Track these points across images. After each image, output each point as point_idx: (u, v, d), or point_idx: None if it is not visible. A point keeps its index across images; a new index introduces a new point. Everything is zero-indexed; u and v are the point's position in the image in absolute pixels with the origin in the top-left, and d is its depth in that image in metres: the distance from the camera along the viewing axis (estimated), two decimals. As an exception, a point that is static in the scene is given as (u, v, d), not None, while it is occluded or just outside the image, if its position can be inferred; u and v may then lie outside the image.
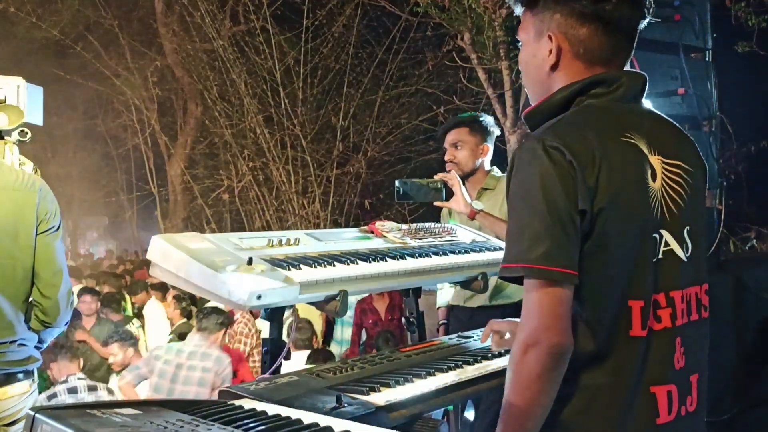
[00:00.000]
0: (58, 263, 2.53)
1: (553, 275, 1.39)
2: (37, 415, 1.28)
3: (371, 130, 11.85)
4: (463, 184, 3.30)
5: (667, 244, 1.50)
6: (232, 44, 11.92)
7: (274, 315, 2.05)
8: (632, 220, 1.45)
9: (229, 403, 1.49)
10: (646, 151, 1.51)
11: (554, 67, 1.58)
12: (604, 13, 1.51)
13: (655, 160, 1.52)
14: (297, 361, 4.45)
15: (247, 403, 1.48)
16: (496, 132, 3.42)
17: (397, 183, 2.89)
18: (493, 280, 3.11)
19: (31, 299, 2.52)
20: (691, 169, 1.59)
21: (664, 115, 1.67)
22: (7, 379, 2.40)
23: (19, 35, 13.30)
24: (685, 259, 1.53)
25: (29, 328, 2.52)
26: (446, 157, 3.34)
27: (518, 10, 1.66)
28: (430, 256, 2.26)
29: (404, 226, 2.50)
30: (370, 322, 6.43)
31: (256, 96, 11.88)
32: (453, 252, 2.35)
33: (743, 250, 6.77)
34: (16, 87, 2.56)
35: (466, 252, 2.40)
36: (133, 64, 14.07)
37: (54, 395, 4.55)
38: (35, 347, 2.53)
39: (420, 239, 2.44)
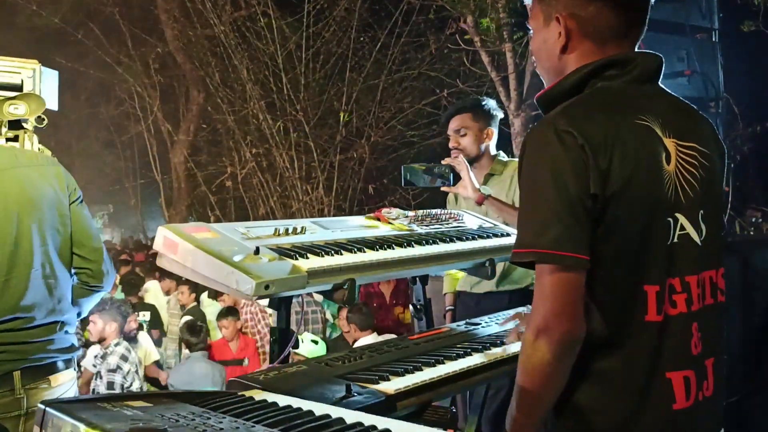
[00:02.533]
0: (95, 229, 2.57)
1: (565, 260, 1.38)
2: (47, 409, 1.29)
3: (374, 115, 11.80)
4: (472, 168, 3.29)
5: (682, 227, 1.49)
6: (233, 30, 11.85)
7: (282, 304, 2.04)
8: (645, 204, 1.44)
9: (239, 394, 1.49)
10: (660, 133, 1.49)
11: (565, 49, 1.56)
12: None
13: (670, 143, 1.50)
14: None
15: (258, 394, 1.48)
16: (500, 115, 3.40)
17: (403, 168, 2.87)
18: (500, 266, 3.11)
19: (74, 271, 2.51)
20: (707, 152, 1.57)
21: (680, 97, 1.65)
22: (55, 366, 2.39)
23: (20, 23, 13.23)
24: (699, 243, 1.52)
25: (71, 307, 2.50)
26: (451, 144, 3.31)
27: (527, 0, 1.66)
28: (437, 243, 2.25)
29: (411, 213, 2.49)
30: (375, 305, 6.45)
31: (258, 82, 11.83)
32: (460, 238, 2.34)
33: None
34: (33, 71, 2.53)
35: (473, 238, 2.39)
36: (135, 51, 14.01)
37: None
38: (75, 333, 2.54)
39: (427, 226, 2.43)
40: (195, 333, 5.39)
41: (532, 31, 1.65)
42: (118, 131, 16.95)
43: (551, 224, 1.39)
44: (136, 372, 4.84)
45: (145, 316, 6.82)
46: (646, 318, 1.45)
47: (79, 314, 2.56)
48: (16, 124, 2.50)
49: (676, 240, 1.48)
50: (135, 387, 4.75)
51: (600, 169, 1.39)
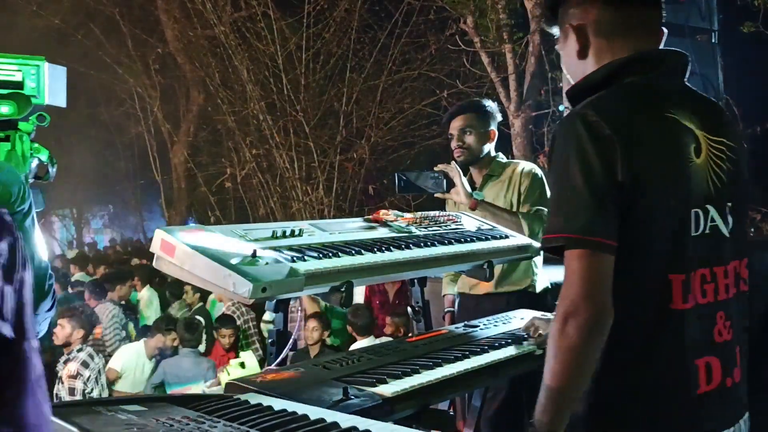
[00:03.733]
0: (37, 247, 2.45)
1: (593, 245, 1.42)
2: (42, 413, 1.28)
3: (374, 116, 11.79)
4: (469, 170, 3.28)
5: (712, 219, 1.53)
6: (233, 30, 11.84)
7: (280, 306, 2.03)
8: (672, 194, 1.48)
9: (235, 397, 1.48)
10: (691, 126, 1.54)
11: (582, 53, 1.65)
12: None
13: (701, 136, 1.54)
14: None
15: (253, 398, 1.48)
16: (500, 118, 3.39)
17: (397, 175, 2.87)
18: (499, 268, 3.10)
19: None
20: (734, 146, 1.61)
21: (705, 95, 1.70)
22: None
23: (21, 24, 13.20)
24: (727, 234, 1.56)
25: None
26: (454, 144, 3.28)
27: (554, 30, 1.76)
28: (436, 246, 2.25)
29: (409, 215, 2.49)
30: (378, 303, 6.44)
31: (258, 82, 11.81)
32: (458, 241, 2.34)
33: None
34: (36, 67, 2.48)
35: (471, 240, 2.39)
36: (135, 52, 14.01)
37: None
38: None
39: (425, 228, 2.42)
40: (191, 330, 5.39)
41: (562, 54, 1.75)
42: (119, 132, 16.95)
43: (580, 210, 1.43)
44: (96, 379, 4.81)
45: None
46: (671, 306, 1.48)
47: None
48: (6, 125, 2.44)
49: (707, 231, 1.52)
50: (96, 393, 4.72)
51: (628, 159, 1.43)
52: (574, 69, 1.69)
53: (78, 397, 4.61)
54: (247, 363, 4.70)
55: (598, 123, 1.45)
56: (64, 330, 4.85)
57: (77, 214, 22.13)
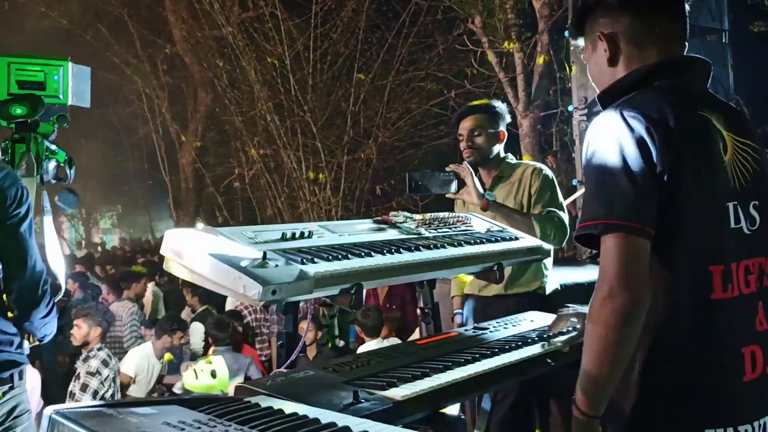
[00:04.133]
0: (28, 254, 2.31)
1: (633, 230, 1.46)
2: (54, 416, 1.28)
3: (382, 116, 11.78)
4: (478, 171, 3.27)
5: (738, 215, 1.57)
6: (241, 31, 11.85)
7: (289, 309, 2.03)
8: (708, 188, 1.53)
9: (245, 400, 1.47)
10: (719, 126, 1.60)
11: (612, 61, 1.71)
12: (632, 1, 1.68)
13: (727, 135, 1.60)
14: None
15: (264, 400, 1.47)
16: (509, 118, 3.38)
17: (408, 176, 2.86)
18: (508, 269, 3.09)
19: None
20: (758, 148, 1.67)
21: (725, 101, 1.77)
22: None
23: (29, 25, 13.27)
24: (749, 232, 1.59)
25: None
26: (464, 144, 3.26)
27: (580, 41, 1.84)
28: (445, 247, 2.23)
29: (418, 217, 2.47)
30: (370, 303, 6.47)
31: (266, 83, 11.83)
32: (468, 242, 2.33)
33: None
34: (60, 68, 2.48)
35: (481, 242, 2.38)
36: (143, 53, 14.05)
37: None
38: (16, 350, 2.35)
39: (434, 230, 2.41)
40: (223, 328, 5.35)
41: (588, 64, 1.81)
42: (127, 132, 17.02)
43: (619, 198, 1.48)
44: (114, 380, 4.81)
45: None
46: (712, 296, 1.52)
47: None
48: (23, 126, 2.44)
49: (735, 225, 1.57)
50: (109, 394, 4.73)
51: (665, 152, 1.48)
52: (602, 76, 1.75)
53: (89, 395, 4.60)
54: (218, 372, 4.62)
55: (636, 117, 1.51)
56: (81, 330, 4.86)
57: (86, 214, 22.23)
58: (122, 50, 14.02)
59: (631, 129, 1.50)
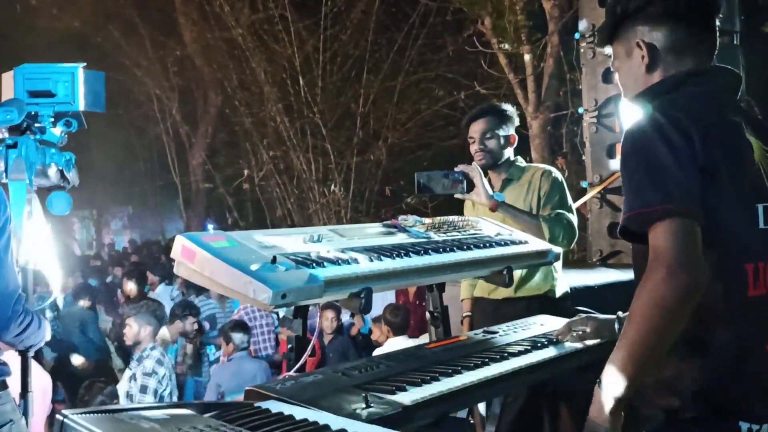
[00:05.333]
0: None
1: (690, 215, 1.49)
2: (65, 420, 1.29)
3: (391, 117, 11.79)
4: (488, 174, 3.27)
5: (767, 216, 1.61)
6: (251, 33, 11.91)
7: (299, 312, 2.04)
8: (740, 188, 1.58)
9: (255, 405, 1.48)
10: (747, 132, 1.65)
11: (650, 67, 1.75)
12: (676, 10, 1.72)
13: (755, 144, 1.65)
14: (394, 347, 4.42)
15: (274, 405, 1.48)
16: (518, 121, 3.38)
17: (417, 176, 2.86)
18: (517, 273, 3.08)
19: None
20: None
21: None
22: None
23: (41, 27, 13.37)
24: None
25: None
26: (475, 147, 3.25)
27: (608, 49, 1.88)
28: (454, 251, 2.23)
29: (427, 220, 2.47)
30: (401, 301, 6.47)
31: (275, 84, 11.88)
32: (477, 246, 2.32)
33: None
34: (70, 75, 2.48)
35: (490, 246, 2.37)
36: (154, 54, 14.12)
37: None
38: None
39: (444, 233, 2.41)
40: (245, 330, 5.30)
41: (617, 72, 1.85)
42: (137, 133, 17.09)
43: (672, 185, 1.51)
44: (171, 377, 4.81)
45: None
46: (749, 293, 1.56)
47: None
48: (16, 130, 2.43)
49: (765, 226, 1.60)
50: (167, 392, 4.72)
51: (704, 149, 1.53)
52: (636, 82, 1.78)
53: (150, 395, 4.60)
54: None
55: (677, 115, 1.56)
56: (132, 329, 4.86)
57: (97, 215, 22.33)
58: (133, 52, 14.10)
59: (676, 125, 1.54)
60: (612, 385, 1.52)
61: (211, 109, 14.74)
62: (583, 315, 2.26)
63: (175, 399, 4.76)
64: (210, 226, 15.99)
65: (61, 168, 2.46)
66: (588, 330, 2.18)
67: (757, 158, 1.64)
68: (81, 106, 2.47)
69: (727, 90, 1.75)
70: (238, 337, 5.18)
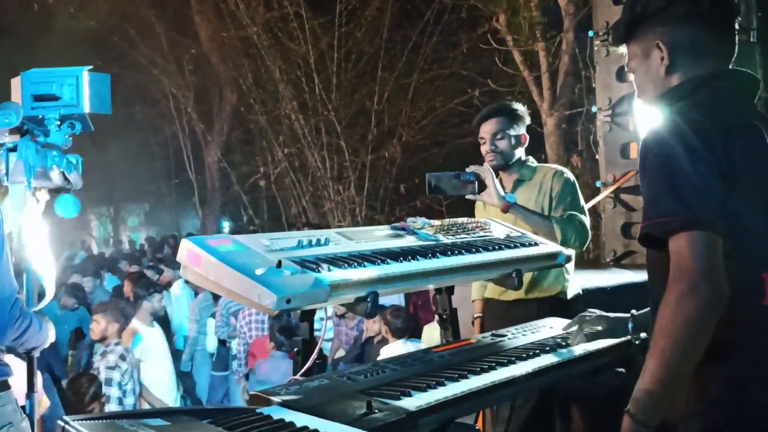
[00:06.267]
0: None
1: (710, 226, 1.47)
2: (66, 427, 1.29)
3: (406, 114, 11.77)
4: (499, 175, 3.24)
5: None
6: (266, 31, 11.93)
7: (306, 317, 2.03)
8: (762, 193, 1.56)
9: (258, 411, 1.48)
10: (767, 137, 1.62)
11: (670, 69, 1.71)
12: (699, 11, 1.68)
13: None
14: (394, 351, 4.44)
15: (277, 412, 1.47)
16: (529, 120, 3.34)
17: (428, 176, 2.84)
18: (528, 274, 3.06)
19: None
20: None
21: None
22: None
23: (58, 27, 13.48)
24: None
25: None
26: (486, 148, 3.22)
27: (623, 48, 1.82)
28: (463, 254, 2.21)
29: (436, 222, 2.46)
30: (420, 303, 6.45)
31: (290, 82, 11.89)
32: (486, 249, 2.30)
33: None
34: (74, 78, 2.49)
35: (499, 248, 2.35)
36: (169, 53, 14.18)
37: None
38: None
39: (453, 236, 2.39)
40: (290, 334, 5.26)
41: (632, 72, 1.81)
42: (154, 131, 17.19)
43: (691, 193, 1.48)
44: (132, 374, 4.85)
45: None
46: (765, 302, 1.54)
47: None
48: (16, 133, 2.44)
49: None
50: (130, 387, 4.79)
51: (726, 154, 1.51)
52: (655, 84, 1.74)
53: (114, 388, 4.66)
54: None
55: (699, 120, 1.53)
56: (100, 325, 4.90)
57: (114, 212, 22.51)
58: (149, 50, 14.17)
59: (698, 130, 1.51)
60: (641, 412, 1.49)
61: (227, 107, 14.79)
62: (595, 314, 2.22)
63: (136, 396, 4.84)
64: (225, 224, 16.09)
65: (62, 170, 2.46)
66: (600, 329, 2.15)
67: None
68: (86, 108, 2.48)
69: (746, 93, 1.71)
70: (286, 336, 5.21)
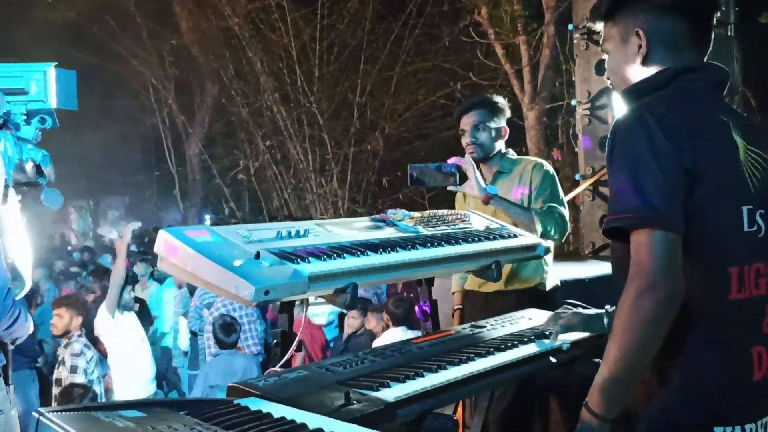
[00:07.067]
0: None
1: (669, 223, 1.48)
2: (41, 418, 1.28)
3: (388, 107, 11.76)
4: (479, 167, 3.25)
5: (751, 219, 1.60)
6: (247, 22, 11.86)
7: (285, 308, 2.03)
8: (727, 189, 1.56)
9: (235, 402, 1.47)
10: (734, 132, 1.62)
11: (646, 59, 1.69)
12: (684, 3, 1.66)
13: (740, 144, 1.62)
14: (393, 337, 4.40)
15: (254, 403, 1.47)
16: (509, 113, 3.35)
17: (410, 168, 2.84)
18: (507, 267, 3.08)
19: None
20: (767, 158, 1.69)
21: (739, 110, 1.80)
22: None
23: (37, 17, 13.30)
24: (760, 236, 1.62)
25: None
26: (466, 141, 3.23)
27: (599, 25, 1.80)
28: (443, 245, 2.22)
29: (416, 214, 2.46)
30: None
31: (272, 74, 11.84)
32: (466, 240, 2.31)
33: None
34: (42, 73, 2.49)
35: (479, 240, 2.36)
36: (150, 44, 14.05)
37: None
38: None
39: (432, 227, 2.40)
40: (231, 332, 5.24)
41: (607, 54, 1.79)
42: (134, 123, 17.00)
43: (653, 190, 1.49)
44: (96, 362, 4.81)
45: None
46: (731, 297, 1.55)
47: None
48: None
49: (753, 229, 1.60)
50: (97, 374, 4.76)
51: (691, 149, 1.51)
52: (627, 72, 1.73)
53: (80, 375, 4.62)
54: None
55: (666, 114, 1.53)
56: (63, 319, 4.83)
57: (93, 205, 22.29)
58: (129, 42, 14.02)
59: (664, 125, 1.51)
60: (598, 406, 1.52)
61: (208, 99, 14.69)
62: (570, 310, 2.25)
63: (102, 386, 4.82)
64: (207, 217, 16.01)
65: (38, 164, 2.45)
66: (575, 325, 2.16)
67: (743, 159, 1.61)
68: (53, 103, 2.48)
69: (716, 87, 1.71)
70: (226, 334, 5.16)
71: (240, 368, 5.07)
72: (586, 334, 2.18)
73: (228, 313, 5.59)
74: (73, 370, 4.62)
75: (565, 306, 2.30)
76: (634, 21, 1.69)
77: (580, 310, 2.26)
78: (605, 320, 2.11)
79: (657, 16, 1.67)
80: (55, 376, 4.77)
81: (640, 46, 1.68)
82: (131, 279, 6.16)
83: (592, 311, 2.21)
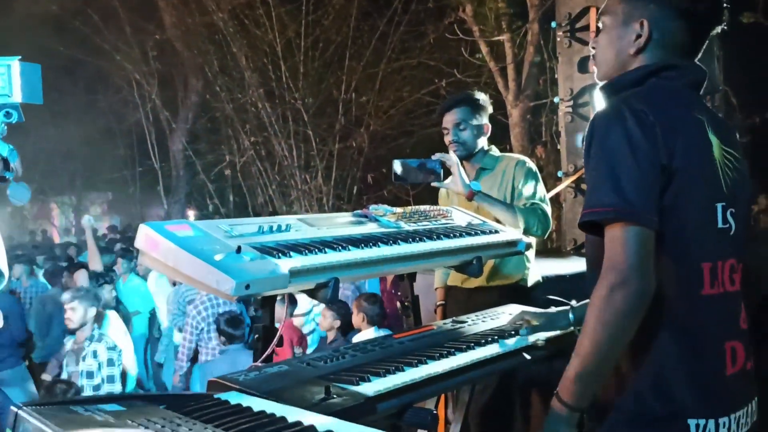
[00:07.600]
0: None
1: (644, 220, 1.50)
2: (19, 412, 1.28)
3: (373, 104, 11.75)
4: (462, 164, 3.26)
5: (724, 216, 1.63)
6: (232, 17, 11.79)
7: (266, 302, 2.03)
8: (702, 186, 1.59)
9: (215, 396, 1.47)
10: (709, 131, 1.64)
11: (639, 51, 1.69)
12: (696, 12, 1.65)
13: (715, 142, 1.65)
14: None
15: (234, 397, 1.47)
16: (491, 109, 3.37)
17: (394, 164, 2.85)
18: (490, 261, 3.09)
19: None
20: (741, 159, 1.72)
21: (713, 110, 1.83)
22: None
23: (18, 10, 13.16)
24: (731, 234, 1.64)
25: None
26: (450, 138, 3.24)
27: None
28: (424, 241, 2.23)
29: (398, 210, 2.47)
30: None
31: (256, 70, 11.79)
32: (447, 236, 2.32)
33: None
34: (6, 67, 2.47)
35: (461, 235, 2.37)
36: (133, 39, 13.94)
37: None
38: None
39: (414, 223, 2.41)
40: (238, 326, 5.20)
41: (602, 25, 1.76)
42: (117, 119, 16.88)
43: (629, 185, 1.50)
44: (113, 362, 4.82)
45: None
46: (703, 292, 1.58)
47: None
48: None
49: (726, 225, 1.62)
50: (117, 373, 4.75)
51: (668, 146, 1.53)
52: (615, 59, 1.73)
53: (116, 368, 4.70)
54: None
55: (643, 111, 1.54)
56: (77, 312, 4.81)
57: (76, 201, 22.12)
58: (112, 36, 13.91)
59: (641, 121, 1.52)
60: (568, 395, 1.55)
61: (192, 95, 14.60)
62: (531, 311, 2.27)
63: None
64: (191, 213, 15.93)
65: (4, 158, 2.43)
66: (538, 325, 2.17)
67: (717, 157, 1.64)
68: (18, 98, 2.46)
69: (693, 86, 1.72)
70: (231, 329, 5.12)
71: (247, 365, 5.04)
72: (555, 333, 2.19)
73: (231, 311, 5.57)
74: (110, 363, 4.64)
75: (552, 302, 2.32)
76: (643, 10, 1.67)
77: (544, 310, 2.27)
78: (570, 316, 2.13)
79: (665, 16, 1.66)
80: (80, 368, 4.70)
81: (639, 36, 1.67)
82: (109, 277, 6.13)
83: (557, 309, 2.22)
